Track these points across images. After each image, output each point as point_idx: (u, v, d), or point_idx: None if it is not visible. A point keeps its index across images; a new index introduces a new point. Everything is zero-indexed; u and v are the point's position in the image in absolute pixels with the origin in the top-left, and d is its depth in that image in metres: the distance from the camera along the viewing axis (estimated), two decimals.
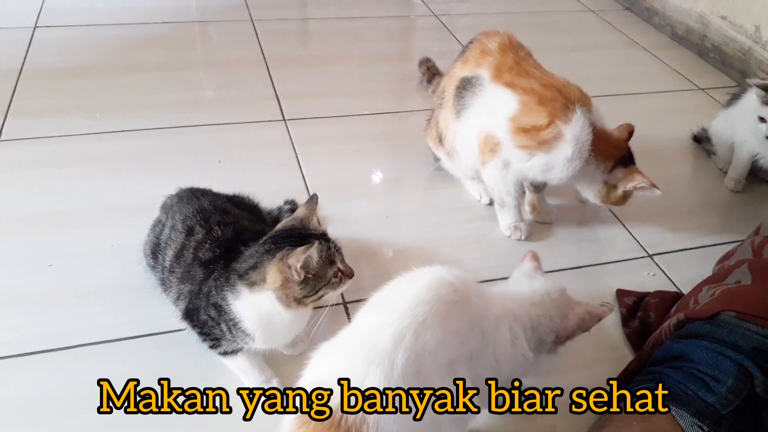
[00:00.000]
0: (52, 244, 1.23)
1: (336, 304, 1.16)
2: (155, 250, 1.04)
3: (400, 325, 0.71)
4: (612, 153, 1.21)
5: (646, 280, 1.28)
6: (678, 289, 1.26)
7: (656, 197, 1.23)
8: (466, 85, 1.29)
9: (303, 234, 0.92)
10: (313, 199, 0.99)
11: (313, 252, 0.85)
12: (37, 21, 2.00)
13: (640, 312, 1.17)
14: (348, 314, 1.14)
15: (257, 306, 0.89)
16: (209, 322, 0.94)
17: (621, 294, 1.22)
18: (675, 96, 1.98)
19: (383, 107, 1.77)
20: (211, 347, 0.97)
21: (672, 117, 1.84)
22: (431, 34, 2.27)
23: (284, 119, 1.67)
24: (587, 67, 2.07)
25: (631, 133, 1.27)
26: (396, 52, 2.15)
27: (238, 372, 1.00)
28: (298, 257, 0.85)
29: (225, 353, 0.97)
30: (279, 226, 0.96)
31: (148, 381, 1.00)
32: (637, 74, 2.09)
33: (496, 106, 1.22)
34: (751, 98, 1.46)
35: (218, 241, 0.97)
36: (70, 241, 1.24)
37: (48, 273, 1.17)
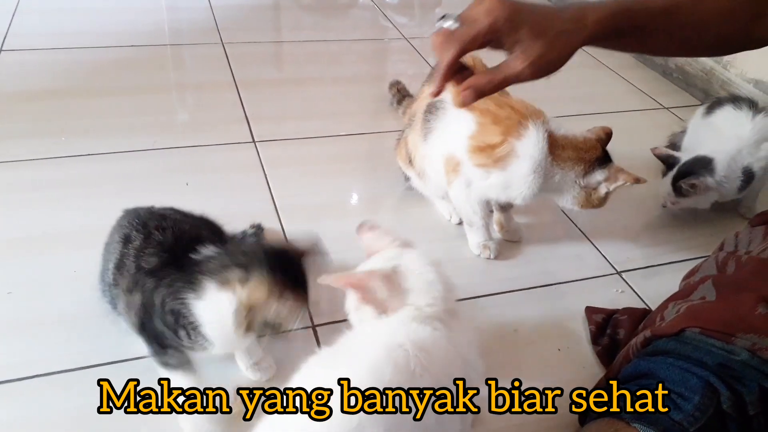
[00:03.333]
0: (10, 271, 1.19)
1: (305, 328, 1.15)
2: (103, 274, 1.01)
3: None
4: (582, 157, 1.21)
5: (615, 297, 1.29)
6: (647, 305, 1.27)
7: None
8: (431, 109, 1.31)
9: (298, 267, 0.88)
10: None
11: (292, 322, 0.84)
12: (2, 44, 1.97)
13: (609, 329, 1.17)
14: (317, 338, 1.13)
15: (220, 307, 0.85)
16: (166, 333, 0.89)
17: (590, 311, 1.22)
18: (641, 115, 2.02)
19: (355, 129, 1.78)
20: (154, 354, 0.93)
21: (638, 135, 1.87)
22: (404, 57, 2.29)
23: (254, 141, 1.66)
24: (554, 88, 2.08)
25: (608, 134, 1.25)
26: (369, 75, 2.17)
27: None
28: (285, 310, 0.83)
29: (169, 365, 0.93)
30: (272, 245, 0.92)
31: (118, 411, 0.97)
32: (603, 94, 2.13)
33: (457, 128, 1.24)
34: (720, 116, 1.52)
35: (161, 246, 0.93)
36: (31, 267, 1.21)
37: (7, 301, 1.13)
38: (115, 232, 1.00)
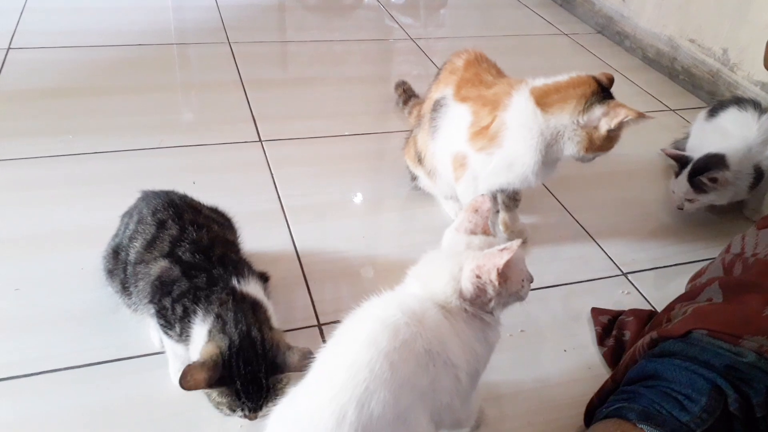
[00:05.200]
0: (18, 268, 1.20)
1: (310, 326, 1.15)
2: (117, 251, 1.03)
3: (340, 402, 0.67)
4: (575, 94, 1.13)
5: (620, 298, 1.29)
6: (652, 307, 1.26)
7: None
8: (436, 107, 1.31)
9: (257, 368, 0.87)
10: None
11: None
12: (10, 43, 1.98)
13: (614, 330, 1.17)
14: (323, 336, 1.13)
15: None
16: (168, 313, 0.93)
17: (596, 312, 1.22)
18: None
19: (361, 129, 1.78)
20: (161, 325, 0.96)
21: (644, 137, 1.86)
22: (409, 57, 2.29)
23: (260, 140, 1.66)
24: None
25: (609, 79, 1.17)
26: (374, 75, 2.17)
27: (170, 354, 1.00)
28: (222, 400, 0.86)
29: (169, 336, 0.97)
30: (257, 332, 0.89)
31: (123, 406, 0.98)
32: None
33: (458, 123, 1.25)
34: (724, 118, 1.53)
35: (196, 245, 0.96)
36: (37, 264, 1.21)
37: (14, 298, 1.14)
38: (146, 215, 1.01)
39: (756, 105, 1.50)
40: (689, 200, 1.46)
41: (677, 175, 1.48)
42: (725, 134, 1.48)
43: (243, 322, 0.88)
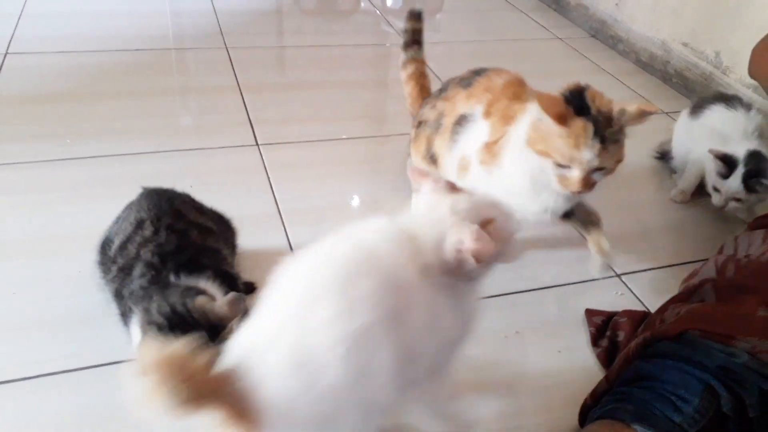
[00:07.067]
0: (15, 272, 1.20)
1: None
2: (105, 244, 1.06)
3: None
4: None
5: (615, 299, 1.30)
6: (646, 308, 1.27)
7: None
8: (461, 121, 1.25)
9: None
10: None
11: None
12: (8, 48, 1.99)
13: (608, 331, 1.18)
14: None
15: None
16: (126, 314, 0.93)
17: (590, 314, 1.23)
18: None
19: (358, 132, 1.79)
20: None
21: (637, 140, 1.86)
22: None
23: (257, 144, 1.67)
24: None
25: (644, 112, 1.09)
26: (371, 80, 2.18)
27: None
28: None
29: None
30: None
31: (122, 410, 0.97)
32: None
33: (477, 138, 1.20)
34: (712, 116, 1.53)
35: (162, 248, 0.97)
36: (35, 268, 1.22)
37: (11, 301, 1.14)
38: (132, 211, 1.03)
39: (741, 101, 1.51)
40: (737, 200, 1.45)
41: (724, 176, 1.44)
42: (714, 133, 1.49)
43: (165, 304, 0.86)
